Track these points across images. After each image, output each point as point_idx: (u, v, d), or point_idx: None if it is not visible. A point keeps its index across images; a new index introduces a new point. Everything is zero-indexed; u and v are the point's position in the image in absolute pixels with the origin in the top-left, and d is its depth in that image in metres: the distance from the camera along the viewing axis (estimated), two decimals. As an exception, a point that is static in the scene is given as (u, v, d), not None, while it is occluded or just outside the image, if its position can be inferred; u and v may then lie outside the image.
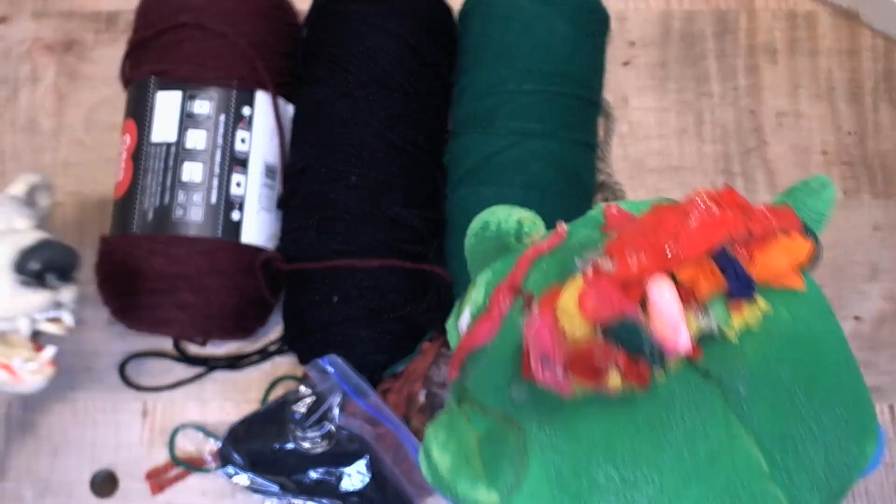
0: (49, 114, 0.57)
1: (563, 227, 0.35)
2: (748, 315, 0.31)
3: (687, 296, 0.29)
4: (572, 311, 0.29)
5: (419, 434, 0.50)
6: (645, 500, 0.30)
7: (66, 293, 0.40)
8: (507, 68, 0.50)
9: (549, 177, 0.49)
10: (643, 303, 0.29)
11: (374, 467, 0.48)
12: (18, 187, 0.45)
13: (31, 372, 0.41)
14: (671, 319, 0.29)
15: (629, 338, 0.28)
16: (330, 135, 0.50)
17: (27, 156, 0.57)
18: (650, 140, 0.56)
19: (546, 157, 0.49)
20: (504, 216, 0.38)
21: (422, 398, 0.52)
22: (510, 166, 0.49)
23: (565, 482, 0.30)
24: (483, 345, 0.33)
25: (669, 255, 0.29)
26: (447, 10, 0.54)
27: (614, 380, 0.29)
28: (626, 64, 0.57)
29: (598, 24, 0.53)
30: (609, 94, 0.56)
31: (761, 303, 0.31)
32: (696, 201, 0.31)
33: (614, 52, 0.57)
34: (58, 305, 0.40)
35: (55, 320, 0.42)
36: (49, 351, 0.42)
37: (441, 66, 0.52)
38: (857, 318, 0.53)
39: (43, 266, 0.38)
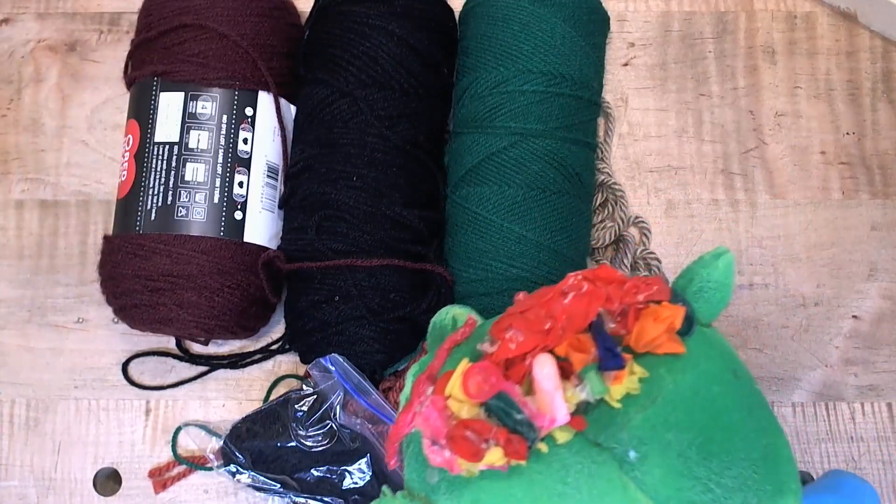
0: (52, 114, 0.58)
1: (472, 318, 0.38)
2: (627, 382, 0.32)
3: (568, 369, 0.32)
4: (458, 394, 0.32)
5: (420, 432, 0.50)
6: None
7: None
8: (507, 69, 0.50)
9: (549, 177, 0.49)
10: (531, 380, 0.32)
11: (375, 465, 0.48)
12: None
13: None
14: (547, 393, 0.31)
15: (504, 414, 0.31)
16: (330, 135, 0.50)
17: (30, 156, 0.57)
18: (650, 140, 0.56)
19: (546, 157, 0.49)
20: (442, 314, 0.41)
21: (423, 397, 0.52)
22: (510, 166, 0.49)
23: None
24: (406, 433, 0.35)
25: (549, 332, 0.32)
26: (448, 10, 0.54)
27: (494, 455, 0.31)
28: (625, 64, 0.57)
29: (598, 25, 0.53)
30: (609, 94, 0.57)
31: (638, 370, 0.33)
32: (569, 280, 0.34)
33: (614, 52, 0.57)
34: None
35: None
36: None
37: (441, 66, 0.52)
38: (855, 317, 0.54)
39: None
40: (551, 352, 0.32)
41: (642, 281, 0.34)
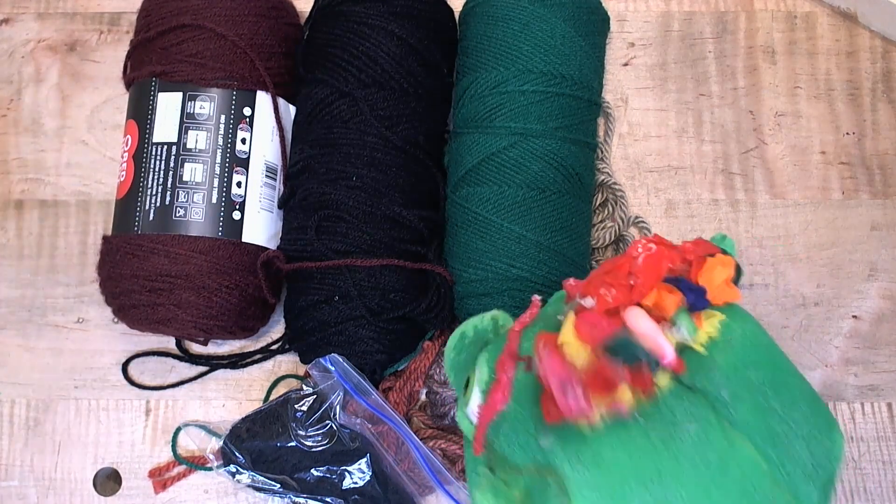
0: (52, 114, 0.58)
1: (536, 297, 0.40)
2: (708, 326, 0.35)
3: (656, 318, 0.35)
4: (572, 341, 0.34)
5: (420, 432, 0.50)
6: None
7: None
8: (507, 68, 0.50)
9: (549, 177, 0.49)
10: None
11: (375, 465, 0.48)
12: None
13: None
14: (652, 336, 0.33)
15: (626, 350, 0.33)
16: (330, 135, 0.50)
17: (31, 156, 0.57)
18: (650, 140, 0.56)
19: (546, 157, 0.49)
20: (477, 320, 0.42)
21: (423, 396, 0.52)
22: (510, 166, 0.49)
23: None
24: (500, 412, 0.37)
25: (633, 287, 0.35)
26: (448, 10, 0.54)
27: (624, 393, 0.33)
28: (625, 64, 0.57)
29: (598, 25, 0.53)
30: (609, 94, 0.57)
31: (717, 314, 0.36)
32: (636, 245, 0.37)
33: (614, 52, 0.57)
34: None
35: None
36: None
37: (441, 66, 0.52)
38: (855, 317, 0.54)
39: None
40: (638, 305, 0.35)
41: (691, 242, 0.38)
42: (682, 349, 0.35)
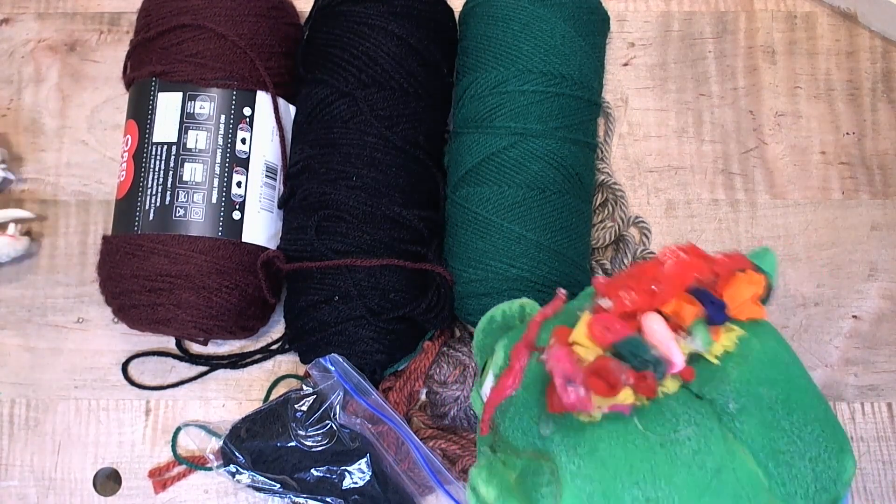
0: (52, 114, 0.58)
1: (562, 291, 0.40)
2: (725, 340, 0.36)
3: (673, 326, 0.35)
4: (584, 340, 0.35)
5: (420, 432, 0.50)
6: None
7: None
8: (507, 69, 0.50)
9: (549, 177, 0.49)
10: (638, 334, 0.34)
11: (375, 465, 0.48)
12: None
13: None
14: (665, 342, 0.34)
15: (635, 353, 0.33)
16: (330, 135, 0.50)
17: (30, 156, 0.57)
18: (650, 140, 0.56)
19: (546, 157, 0.49)
20: (507, 305, 0.43)
21: (423, 396, 0.52)
22: (510, 166, 0.49)
23: None
24: (508, 396, 0.38)
25: (655, 293, 0.35)
26: (448, 10, 0.54)
27: (626, 394, 0.33)
28: (625, 64, 0.57)
29: (598, 25, 0.53)
30: (609, 94, 0.57)
31: (736, 329, 0.36)
32: (667, 251, 0.37)
33: (614, 52, 0.57)
34: None
35: None
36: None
37: (441, 66, 0.52)
38: (855, 317, 0.54)
39: None
40: (658, 312, 0.35)
41: (726, 254, 0.38)
42: (696, 358, 0.36)
